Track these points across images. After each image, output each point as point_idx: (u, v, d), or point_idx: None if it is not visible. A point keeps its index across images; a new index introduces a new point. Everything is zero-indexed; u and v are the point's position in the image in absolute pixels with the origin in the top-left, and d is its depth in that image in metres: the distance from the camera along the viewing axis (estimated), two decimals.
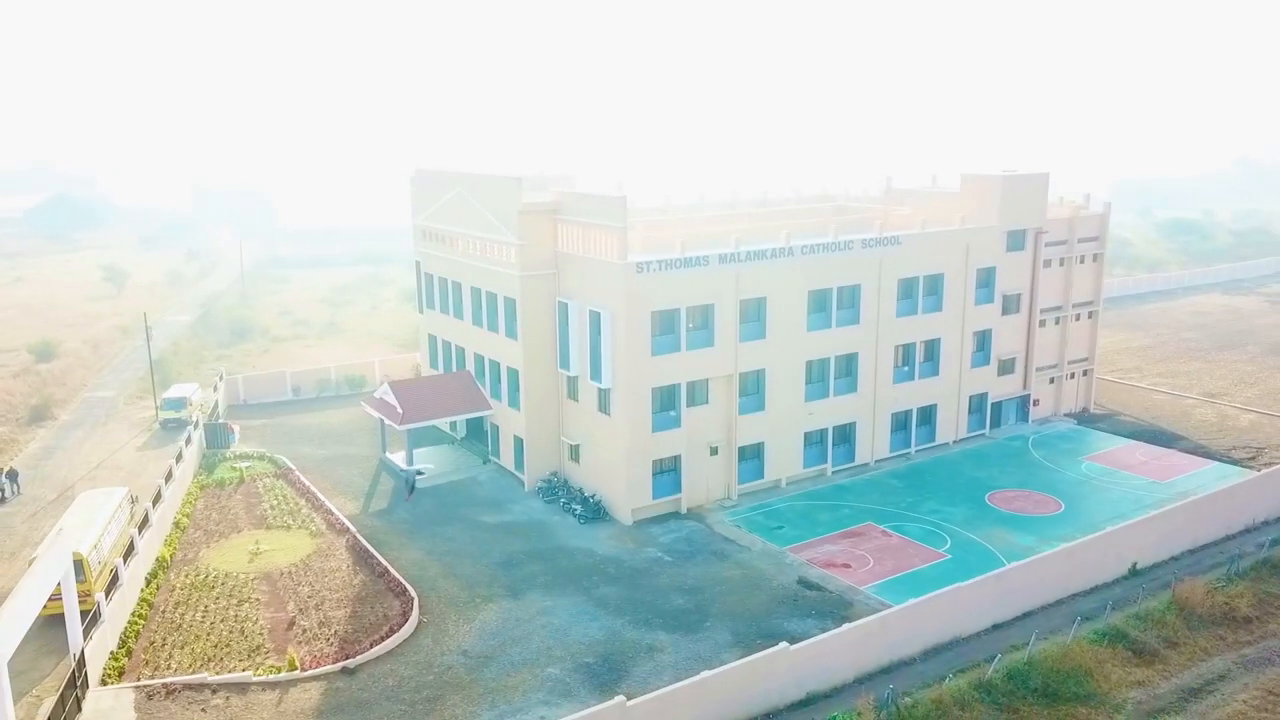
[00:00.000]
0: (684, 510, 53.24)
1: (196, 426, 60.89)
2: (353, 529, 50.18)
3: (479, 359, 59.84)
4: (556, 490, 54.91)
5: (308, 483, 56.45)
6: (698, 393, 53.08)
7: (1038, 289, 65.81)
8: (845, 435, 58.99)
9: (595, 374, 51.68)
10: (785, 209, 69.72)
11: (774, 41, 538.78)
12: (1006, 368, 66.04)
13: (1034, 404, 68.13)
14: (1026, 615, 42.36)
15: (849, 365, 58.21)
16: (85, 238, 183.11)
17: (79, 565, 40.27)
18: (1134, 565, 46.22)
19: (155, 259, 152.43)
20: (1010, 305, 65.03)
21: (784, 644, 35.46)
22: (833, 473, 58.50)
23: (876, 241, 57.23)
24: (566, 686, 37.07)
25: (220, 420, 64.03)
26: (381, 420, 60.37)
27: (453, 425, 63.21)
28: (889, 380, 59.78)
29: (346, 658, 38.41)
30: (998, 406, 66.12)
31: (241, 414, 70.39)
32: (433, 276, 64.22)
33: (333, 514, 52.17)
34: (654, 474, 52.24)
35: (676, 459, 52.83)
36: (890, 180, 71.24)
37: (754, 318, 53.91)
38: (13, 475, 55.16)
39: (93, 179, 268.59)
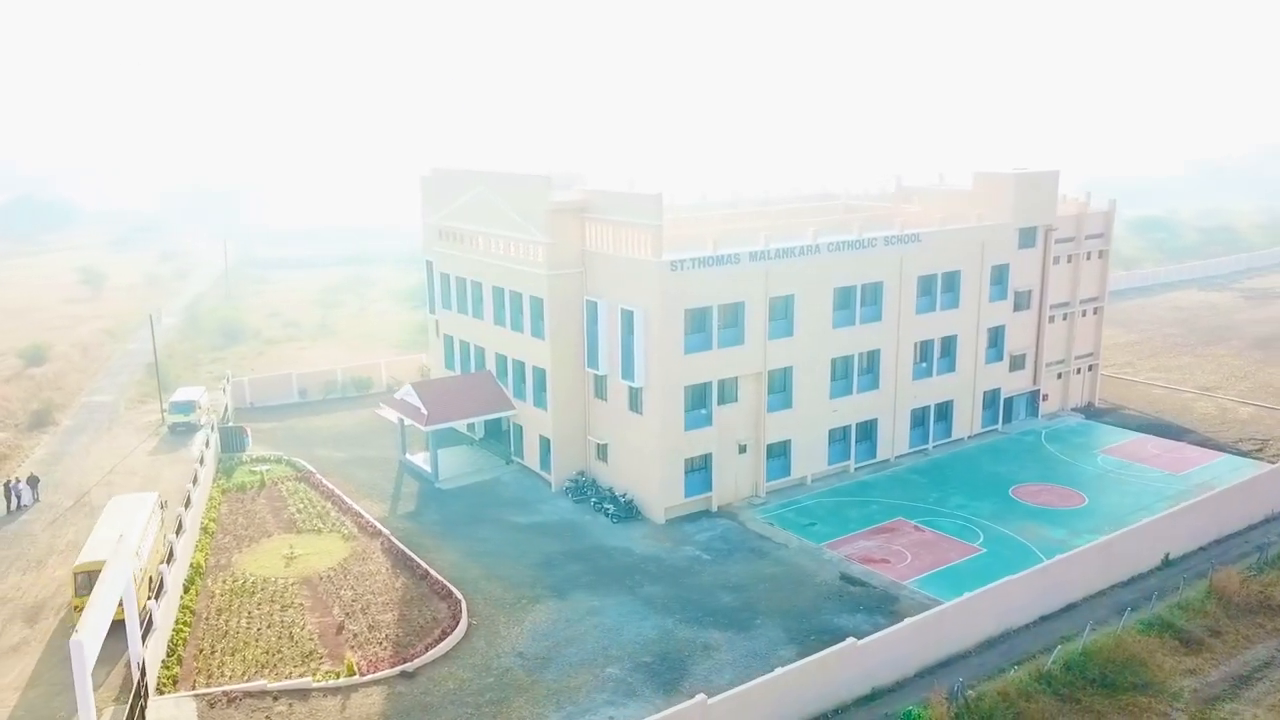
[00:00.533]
0: (714, 508, 53.28)
1: (212, 430, 59.86)
2: (385, 531, 49.61)
3: (501, 359, 59.41)
4: (585, 490, 54.68)
5: (331, 486, 55.72)
6: (727, 391, 53.15)
7: (1048, 285, 66.76)
8: (867, 432, 59.36)
9: (627, 373, 51.53)
10: (793, 207, 70.01)
11: (765, 41, 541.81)
12: (1017, 363, 66.86)
13: (1043, 399, 69.06)
14: (1070, 607, 42.88)
15: (871, 362, 58.62)
16: (54, 239, 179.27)
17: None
18: (1167, 556, 47.01)
19: (128, 261, 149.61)
20: (1021, 302, 65.87)
21: (851, 639, 35.60)
22: (855, 469, 58.86)
23: (898, 239, 57.68)
24: (629, 686, 36.92)
25: (234, 423, 62.88)
26: (401, 421, 59.76)
27: (470, 426, 62.67)
28: (909, 377, 60.28)
29: (403, 662, 37.97)
30: (1009, 402, 66.93)
31: (249, 417, 69.23)
32: (449, 276, 63.63)
33: (362, 517, 51.52)
34: (685, 472, 52.23)
35: (707, 457, 52.86)
36: (900, 179, 71.80)
37: (782, 315, 54.09)
38: (34, 481, 53.86)
39: (53, 179, 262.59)
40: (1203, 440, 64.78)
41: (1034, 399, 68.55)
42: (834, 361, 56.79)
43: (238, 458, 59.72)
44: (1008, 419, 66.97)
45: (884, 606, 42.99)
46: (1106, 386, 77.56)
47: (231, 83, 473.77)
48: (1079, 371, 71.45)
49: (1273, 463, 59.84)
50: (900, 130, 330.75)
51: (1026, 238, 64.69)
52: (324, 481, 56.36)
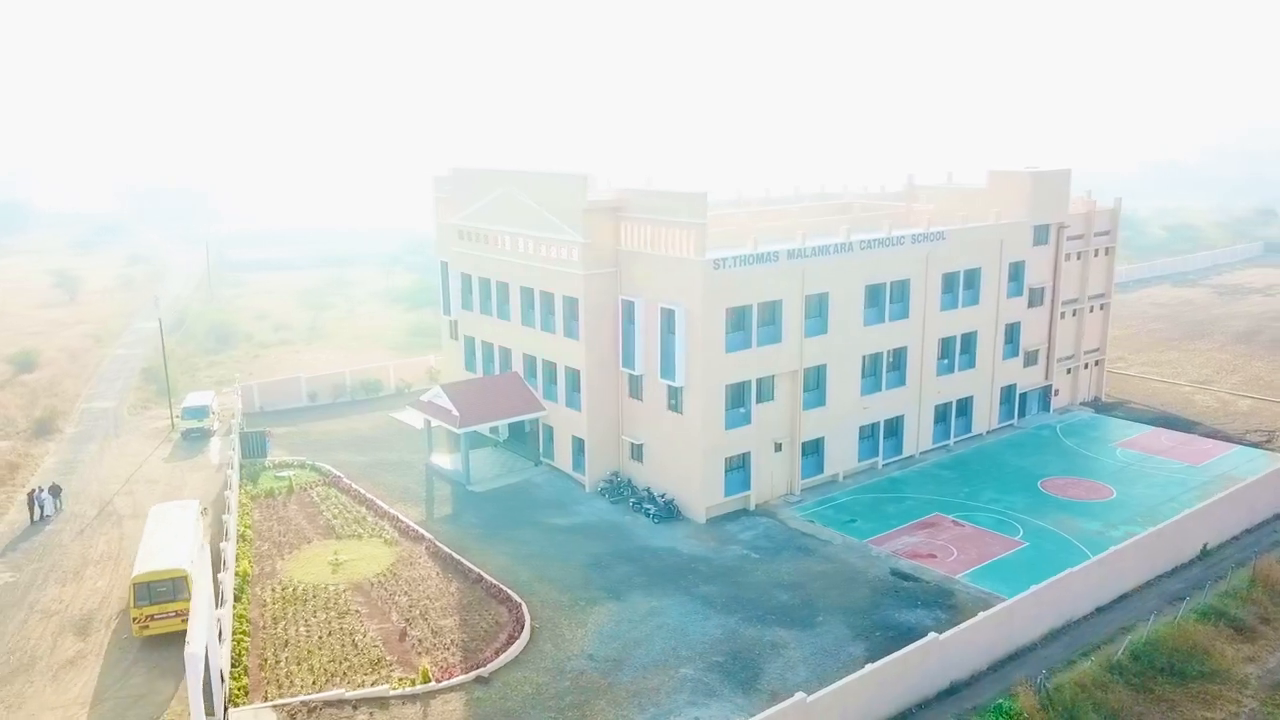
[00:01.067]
0: (753, 507, 53.33)
1: (235, 434, 58.64)
2: (428, 536, 48.93)
3: (529, 360, 58.89)
4: (622, 490, 54.40)
5: (362, 490, 54.82)
6: (765, 389, 53.25)
7: (1060, 282, 67.82)
8: (894, 428, 59.82)
9: (667, 372, 51.36)
10: (808, 205, 70.36)
11: (757, 42, 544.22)
12: (1031, 359, 67.80)
13: (1054, 394, 70.13)
14: (1122, 598, 43.53)
15: (898, 359, 59.09)
16: (13, 242, 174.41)
17: (182, 581, 38.50)
18: (1205, 546, 47.95)
19: (96, 264, 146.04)
20: (1035, 298, 66.81)
21: (933, 634, 35.80)
22: (883, 465, 59.28)
23: (925, 236, 58.20)
24: (707, 686, 36.78)
25: (256, 428, 61.50)
26: (428, 423, 59.02)
27: (492, 429, 62.06)
28: (933, 373, 60.86)
29: (475, 667, 37.47)
30: (1023, 397, 67.86)
31: (259, 422, 67.86)
32: (470, 277, 62.92)
33: (400, 521, 50.77)
34: (725, 471, 52.21)
35: (745, 456, 52.91)
36: (911, 177, 72.46)
37: (816, 313, 54.30)
38: (55, 491, 52.30)
39: (7, 180, 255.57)
40: (1212, 432, 66.23)
41: (1046, 394, 69.59)
42: (865, 358, 57.16)
43: (260, 463, 58.51)
44: (1022, 414, 67.91)
45: (940, 601, 43.31)
46: (1107, 381, 79.01)
47: (193, 82, 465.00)
48: (1086, 366, 72.67)
49: None
50: (864, 130, 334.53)
51: (1041, 235, 65.65)
52: (353, 486, 55.43)
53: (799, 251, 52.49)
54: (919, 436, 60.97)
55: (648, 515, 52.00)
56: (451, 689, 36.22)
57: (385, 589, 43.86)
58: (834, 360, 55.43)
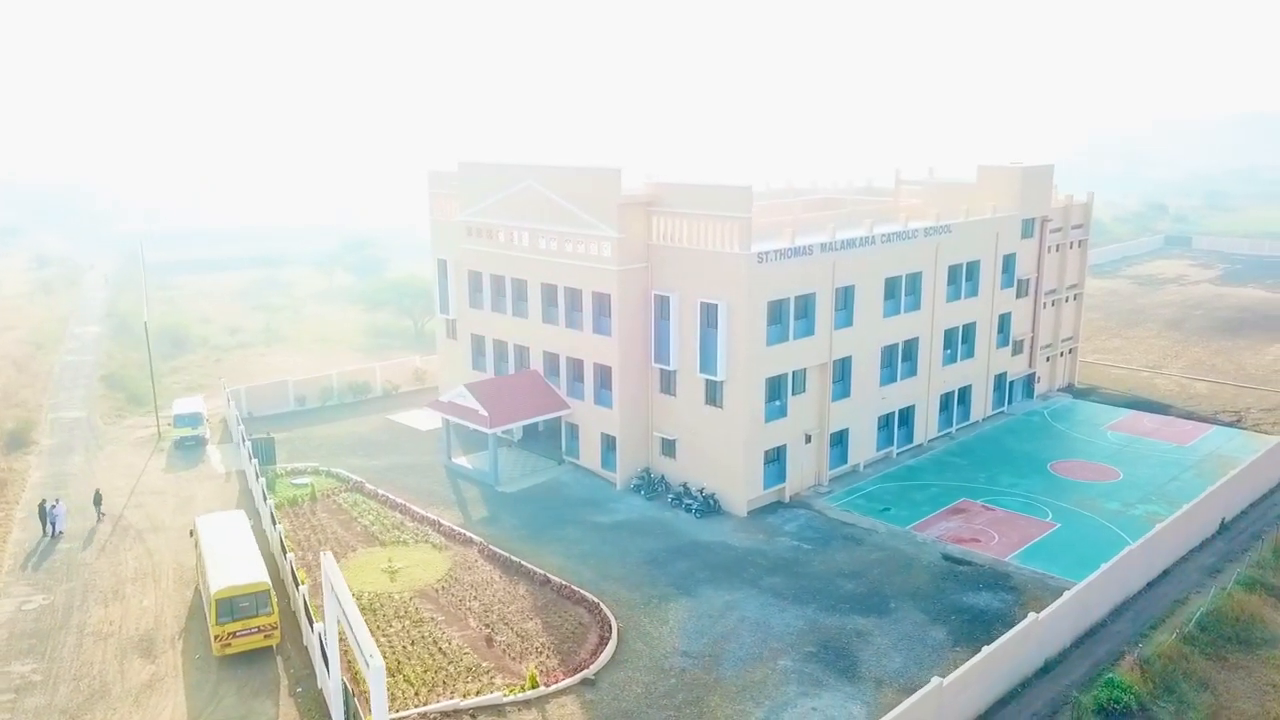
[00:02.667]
0: (787, 499, 53.85)
1: (243, 441, 56.10)
2: (477, 538, 47.83)
3: (550, 357, 58.02)
4: (656, 487, 54.19)
5: (389, 494, 53.17)
6: (797, 382, 53.82)
7: (1043, 273, 70.49)
8: (906, 417, 61.21)
9: (707, 367, 51.39)
10: (806, 199, 71.33)
11: (725, 40, 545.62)
12: (1018, 348, 70.30)
13: (1037, 381, 72.86)
14: (1165, 573, 45.59)
15: (910, 350, 60.49)
16: None
17: (265, 596, 36.78)
18: (1223, 520, 50.63)
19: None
20: (1022, 289, 69.29)
21: (1033, 615, 36.84)
22: (897, 454, 60.61)
23: (935, 229, 59.72)
24: (811, 676, 37.04)
25: (263, 435, 58.83)
26: (447, 424, 57.64)
27: (505, 429, 60.89)
28: (939, 363, 62.53)
29: (575, 669, 36.89)
30: (1010, 385, 70.28)
31: (249, 427, 65.03)
32: (480, 275, 61.60)
33: (441, 524, 49.48)
34: (763, 465, 52.58)
35: (781, 449, 53.41)
36: (898, 172, 74.18)
37: (843, 306, 55.16)
38: (97, 500, 50.27)
39: None
40: (1187, 414, 69.87)
41: (1030, 381, 72.26)
42: (883, 350, 58.32)
43: (270, 470, 56.08)
44: (1010, 401, 70.32)
45: (999, 583, 44.58)
46: (1079, 368, 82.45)
47: (90, 77, 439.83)
48: (1062, 354, 75.73)
49: (1255, 430, 65.43)
50: (819, 125, 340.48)
51: (1027, 228, 68.09)
52: (378, 491, 53.71)
53: (830, 245, 53.24)
54: (927, 425, 62.56)
55: (688, 510, 51.95)
56: (561, 693, 35.56)
57: (452, 595, 42.69)
58: (858, 352, 56.42)
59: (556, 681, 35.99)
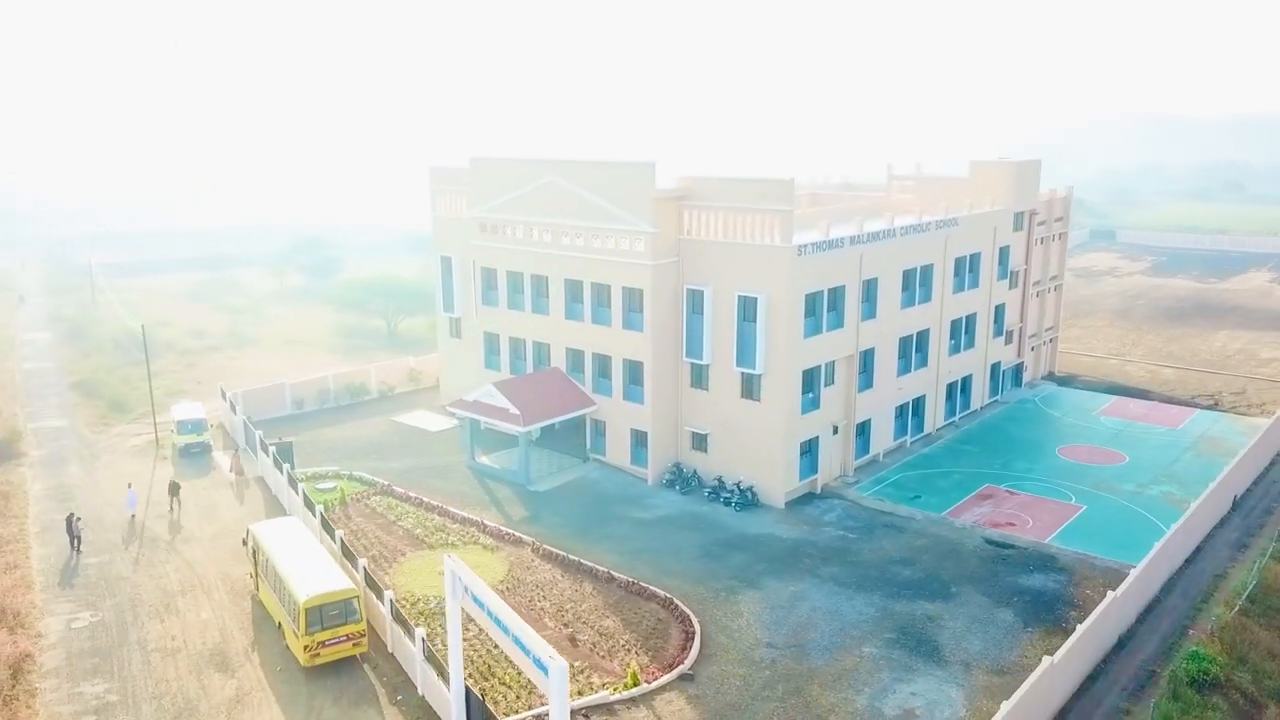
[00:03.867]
0: (819, 490, 54.42)
1: (263, 446, 54.16)
2: (527, 538, 47.12)
3: (574, 354, 57.41)
4: (689, 481, 54.13)
5: (422, 497, 51.97)
6: (828, 374, 54.41)
7: (1031, 265, 72.65)
8: (918, 407, 62.41)
9: (745, 360, 51.57)
10: (808, 193, 72.10)
11: (710, 36, 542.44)
12: (1009, 338, 72.30)
13: (1025, 370, 75.08)
14: (1198, 550, 47.55)
15: (922, 341, 61.68)
16: None
17: (354, 603, 35.67)
18: (1235, 498, 52.99)
19: None
20: (1013, 281, 71.26)
21: (1111, 593, 38.00)
22: (910, 443, 61.77)
23: (944, 223, 61.03)
24: (900, 662, 37.53)
25: (284, 440, 56.75)
26: (471, 424, 56.63)
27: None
28: (946, 353, 63.93)
29: (670, 666, 36.70)
30: (1002, 374, 72.26)
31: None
32: (495, 271, 60.57)
33: (485, 525, 48.60)
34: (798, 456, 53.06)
35: (814, 440, 53.93)
36: (890, 167, 75.50)
37: (868, 298, 55.96)
38: (174, 489, 50.31)
39: None
40: (1167, 399, 72.89)
41: (1019, 370, 74.41)
42: (900, 341, 59.36)
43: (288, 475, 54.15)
44: (1001, 390, 72.31)
45: (1048, 565, 45.83)
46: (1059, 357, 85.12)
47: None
48: (1044, 344, 78.16)
49: (1233, 412, 68.67)
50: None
51: (1018, 221, 70.07)
52: (409, 493, 52.44)
53: (858, 238, 53.98)
54: (936, 414, 63.92)
55: (726, 504, 52.06)
56: (664, 689, 35.33)
57: (520, 595, 41.96)
58: (880, 344, 57.34)
59: (656, 678, 35.72)
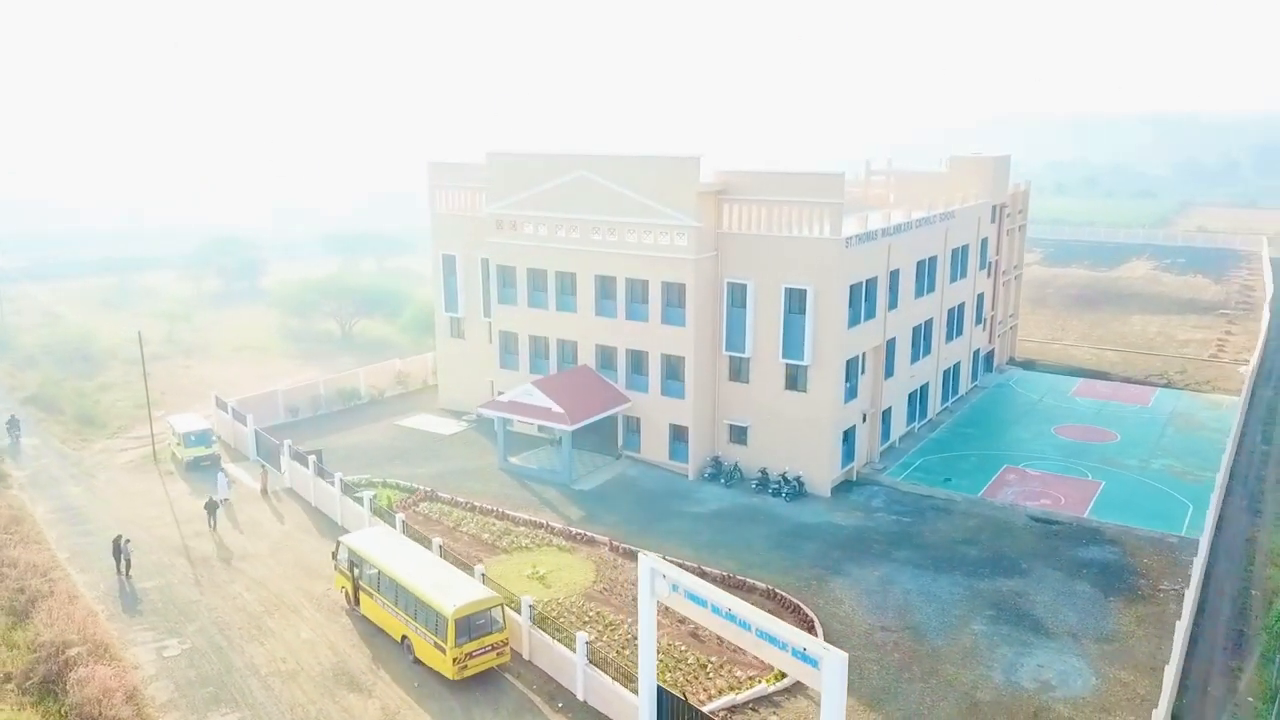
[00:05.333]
0: (854, 477, 55.62)
1: (289, 456, 51.44)
2: (601, 538, 46.43)
3: (605, 351, 56.71)
4: (732, 475, 54.37)
5: (473, 501, 50.46)
6: (863, 363, 55.67)
7: (1003, 255, 76.06)
8: (923, 394, 64.49)
9: (792, 352, 52.18)
10: None
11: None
12: (984, 325, 75.50)
13: (995, 355, 78.55)
14: (1221, 515, 50.89)
15: (929, 329, 63.79)
16: None
17: (499, 611, 34.62)
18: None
19: None
20: (990, 271, 74.44)
21: (1195, 561, 40.41)
22: (918, 429, 63.81)
23: (945, 216, 63.28)
24: (1013, 637, 38.87)
25: (311, 450, 53.86)
26: (503, 424, 55.31)
27: (540, 425, 59.14)
28: (944, 341, 66.30)
29: None
30: (979, 360, 75.45)
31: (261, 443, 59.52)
32: (513, 269, 59.11)
33: (550, 525, 47.64)
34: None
35: (851, 429, 55.09)
36: (869, 163, 77.55)
37: (891, 288, 57.49)
38: (215, 507, 46.51)
39: None
40: (1125, 379, 77.62)
41: (991, 356, 77.79)
42: (913, 330, 61.24)
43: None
44: (978, 375, 75.49)
45: (1097, 537, 48.25)
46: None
47: None
48: (1008, 330, 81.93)
49: (1189, 389, 73.83)
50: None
51: (993, 214, 73.23)
52: (456, 498, 50.84)
53: (887, 230, 55.43)
54: (935, 400, 66.22)
55: (775, 495, 52.59)
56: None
57: (620, 594, 41.38)
58: (900, 333, 59.03)
59: None
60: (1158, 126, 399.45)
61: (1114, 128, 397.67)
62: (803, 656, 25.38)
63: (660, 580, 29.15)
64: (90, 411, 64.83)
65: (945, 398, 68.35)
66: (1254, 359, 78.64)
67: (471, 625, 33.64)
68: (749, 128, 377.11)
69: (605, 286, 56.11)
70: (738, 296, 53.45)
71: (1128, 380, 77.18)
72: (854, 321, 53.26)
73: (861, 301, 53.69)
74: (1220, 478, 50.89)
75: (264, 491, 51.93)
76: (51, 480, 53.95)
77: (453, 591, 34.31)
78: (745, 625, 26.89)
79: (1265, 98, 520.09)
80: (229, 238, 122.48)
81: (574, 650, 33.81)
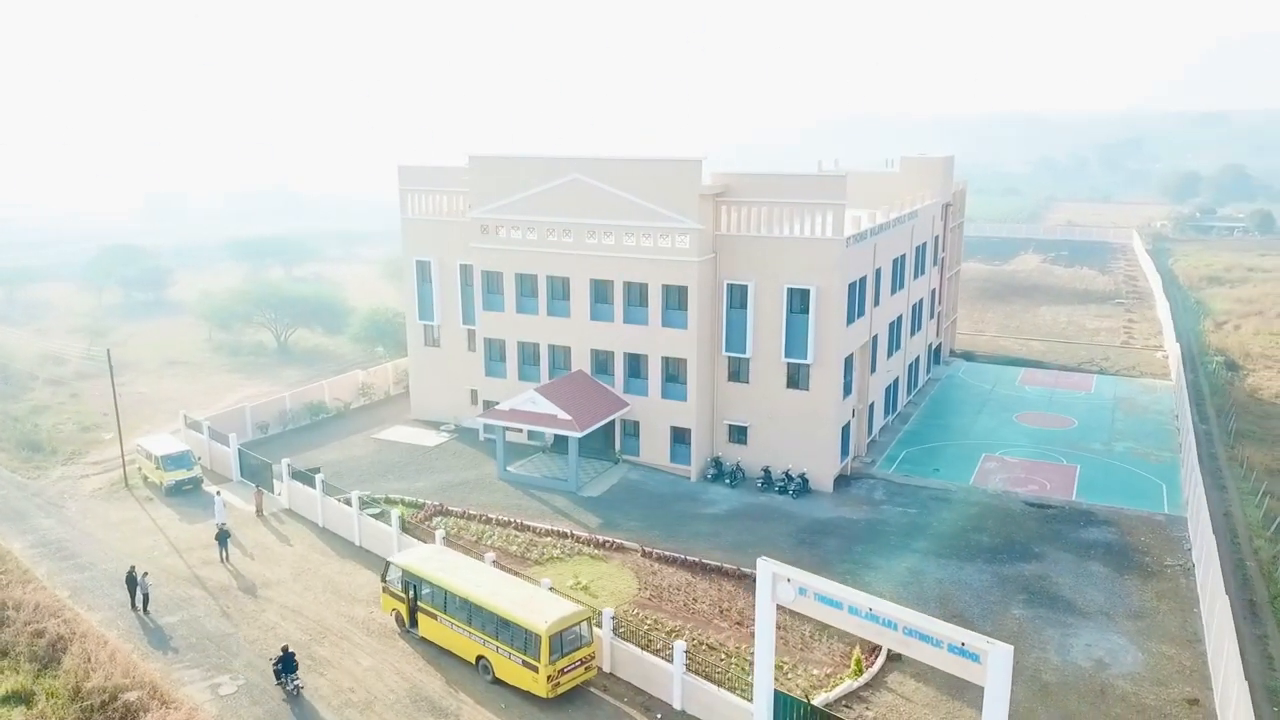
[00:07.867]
0: (848, 472, 56.81)
1: (290, 476, 49.02)
2: (631, 544, 46.04)
3: (601, 356, 56.14)
4: (734, 475, 54.70)
5: (487, 514, 49.21)
6: (854, 359, 56.89)
7: (948, 253, 78.93)
8: (894, 388, 66.35)
9: (795, 351, 52.88)
10: None
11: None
12: (936, 320, 78.21)
13: (942, 348, 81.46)
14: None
15: (899, 325, 65.66)
16: None
17: (588, 625, 33.97)
18: (1180, 445, 60.76)
19: None
20: (942, 267, 77.13)
21: (1202, 539, 42.95)
22: (891, 422, 65.63)
23: (912, 215, 65.29)
24: (1053, 620, 40.49)
25: (313, 469, 51.35)
26: (502, 433, 54.16)
27: (531, 433, 58.28)
28: (909, 335, 68.39)
29: (870, 651, 37.69)
30: (931, 352, 78.11)
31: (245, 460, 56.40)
32: (499, 275, 57.83)
33: (575, 534, 46.97)
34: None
35: (847, 425, 56.24)
36: (820, 164, 79.04)
37: (875, 286, 58.93)
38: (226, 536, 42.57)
39: None
40: (1059, 367, 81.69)
41: (939, 349, 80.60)
42: (889, 325, 62.94)
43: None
44: (930, 368, 78.13)
45: (1091, 519, 50.71)
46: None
47: None
48: (950, 323, 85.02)
49: (1120, 375, 78.29)
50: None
51: (942, 213, 75.93)
52: (469, 511, 49.51)
53: (875, 230, 56.80)
54: (903, 393, 68.24)
55: (783, 493, 53.22)
56: (884, 672, 36.26)
57: (670, 600, 41.18)
58: (881, 330, 60.58)
59: (872, 664, 36.57)
60: (1009, 127, 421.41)
61: (971, 128, 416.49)
62: (962, 652, 25.81)
63: (784, 585, 29.17)
64: (32, 437, 60.25)
65: (909, 391, 70.48)
66: (1173, 346, 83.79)
67: (564, 641, 32.91)
68: (597, 123, 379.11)
69: (601, 290, 55.61)
70: (737, 297, 53.83)
71: (1063, 368, 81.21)
72: (850, 319, 54.38)
73: (856, 300, 54.87)
74: (1190, 458, 54.17)
75: (259, 514, 49.42)
76: (16, 514, 49.92)
77: (540, 607, 33.49)
78: (890, 625, 27.14)
79: (1103, 98, 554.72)
80: (127, 245, 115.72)
81: (666, 660, 33.48)
